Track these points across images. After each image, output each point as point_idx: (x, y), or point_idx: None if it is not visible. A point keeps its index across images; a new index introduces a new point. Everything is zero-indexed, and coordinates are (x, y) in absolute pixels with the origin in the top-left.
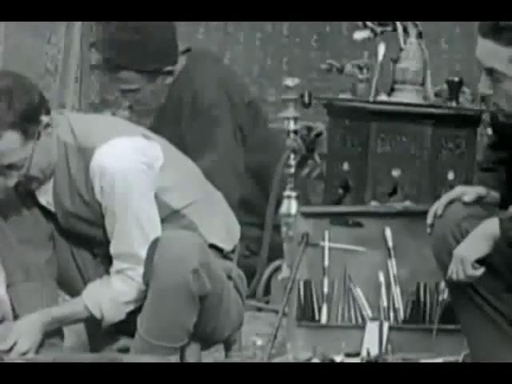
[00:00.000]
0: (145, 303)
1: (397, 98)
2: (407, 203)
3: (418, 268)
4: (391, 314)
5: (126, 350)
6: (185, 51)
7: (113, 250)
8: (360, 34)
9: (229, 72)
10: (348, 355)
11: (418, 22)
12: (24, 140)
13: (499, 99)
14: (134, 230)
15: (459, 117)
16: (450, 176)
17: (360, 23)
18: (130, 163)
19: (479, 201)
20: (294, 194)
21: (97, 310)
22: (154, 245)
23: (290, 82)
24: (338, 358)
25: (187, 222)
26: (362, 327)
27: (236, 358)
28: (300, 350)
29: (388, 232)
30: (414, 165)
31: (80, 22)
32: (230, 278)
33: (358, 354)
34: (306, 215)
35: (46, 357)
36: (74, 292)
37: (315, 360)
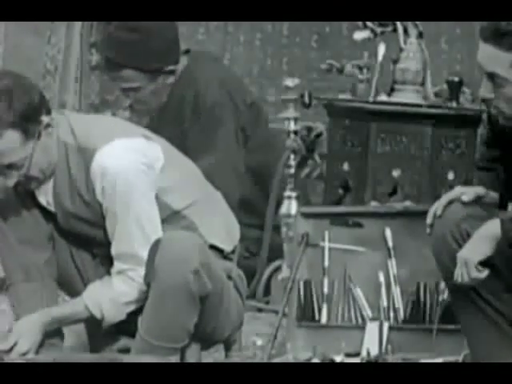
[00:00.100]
0: (146, 304)
1: (397, 98)
2: (407, 203)
3: (418, 268)
4: (391, 314)
5: (126, 351)
6: (184, 52)
7: (114, 250)
8: (360, 35)
9: (230, 73)
10: (348, 355)
11: (418, 23)
12: (24, 140)
13: (500, 103)
14: (134, 230)
15: (459, 117)
16: (450, 176)
17: (360, 23)
18: (130, 164)
19: (478, 201)
20: (294, 194)
21: (97, 311)
22: (156, 246)
23: (290, 82)
24: (338, 358)
25: (187, 223)
26: (362, 327)
27: (236, 358)
28: (300, 350)
29: (388, 232)
30: (414, 165)
31: (80, 23)
32: (230, 278)
33: (358, 354)
34: (306, 215)
35: (45, 357)
36: (74, 292)
37: (315, 360)
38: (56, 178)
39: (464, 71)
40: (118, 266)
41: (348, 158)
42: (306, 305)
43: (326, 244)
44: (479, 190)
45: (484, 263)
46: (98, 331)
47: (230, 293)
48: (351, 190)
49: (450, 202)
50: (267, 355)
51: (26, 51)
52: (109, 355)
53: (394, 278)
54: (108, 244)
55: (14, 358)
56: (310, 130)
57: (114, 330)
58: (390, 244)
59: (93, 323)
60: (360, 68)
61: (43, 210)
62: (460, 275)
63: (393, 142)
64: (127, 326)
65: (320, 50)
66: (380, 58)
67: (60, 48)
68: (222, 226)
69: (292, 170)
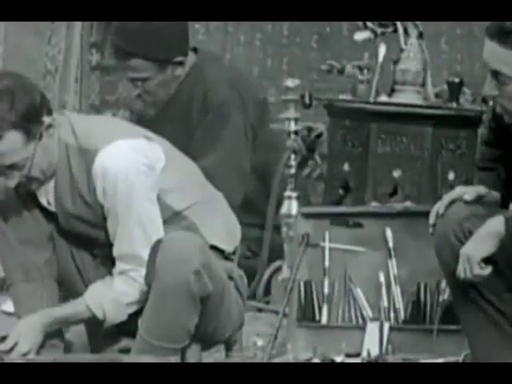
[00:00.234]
0: (146, 304)
1: (397, 98)
2: (407, 203)
3: (419, 268)
4: (391, 315)
5: (126, 351)
6: (193, 49)
7: (115, 251)
8: (360, 35)
9: (238, 72)
10: (348, 355)
11: (418, 23)
12: (26, 140)
13: (504, 101)
14: (136, 231)
15: (459, 117)
16: (451, 176)
17: (360, 24)
18: (131, 164)
19: (479, 200)
20: (294, 194)
21: (99, 311)
22: (156, 246)
23: (290, 82)
24: (339, 359)
25: (188, 224)
26: (363, 328)
27: (236, 358)
28: (300, 350)
29: (388, 232)
30: (415, 165)
31: (80, 23)
32: (231, 278)
33: (358, 355)
34: (307, 216)
35: (46, 357)
36: (74, 292)
37: (315, 360)
38: (57, 179)
39: (464, 72)
40: (119, 266)
41: (348, 158)
42: (306, 305)
43: (327, 244)
44: (481, 189)
45: (487, 260)
46: (99, 331)
47: (231, 293)
48: (351, 190)
49: (452, 202)
50: (267, 355)
51: (25, 51)
52: (109, 355)
53: (394, 278)
54: (109, 245)
55: (14, 358)
56: (310, 130)
57: (115, 330)
58: (391, 244)
59: (93, 323)
60: (360, 68)
61: (44, 210)
62: (463, 271)
63: (393, 142)
64: (128, 327)
65: (320, 51)
66: (380, 58)
67: (60, 48)
68: (222, 227)
69: (292, 170)
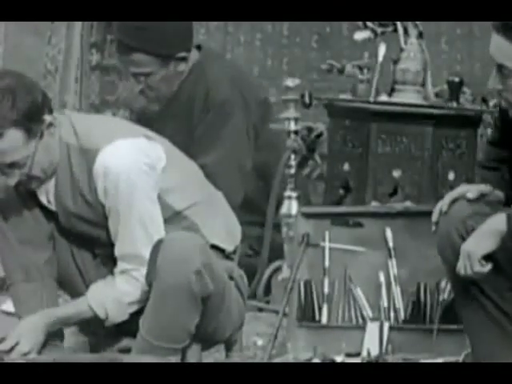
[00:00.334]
0: (147, 304)
1: (397, 98)
2: (408, 203)
3: (419, 268)
4: (391, 314)
5: (127, 351)
6: (196, 47)
7: (117, 251)
8: (360, 35)
9: (241, 71)
10: (348, 355)
11: (418, 23)
12: (27, 139)
13: (509, 95)
14: (137, 230)
15: (460, 117)
16: (451, 176)
17: (360, 23)
18: (132, 164)
19: (482, 198)
20: (294, 194)
21: (101, 311)
22: (157, 246)
23: (290, 82)
24: (339, 359)
25: (189, 223)
26: (363, 327)
27: (236, 358)
28: (300, 350)
29: (388, 232)
30: (415, 165)
31: (80, 23)
32: (231, 278)
33: (358, 355)
34: (307, 215)
35: (46, 357)
36: (74, 292)
37: (316, 360)
38: (58, 178)
39: (464, 71)
40: (121, 265)
41: (348, 158)
42: (306, 305)
43: (327, 244)
44: (483, 187)
45: (487, 257)
46: (98, 331)
47: (232, 293)
48: (352, 190)
49: (455, 200)
50: (268, 355)
51: (26, 51)
52: (109, 355)
53: (394, 278)
54: (110, 244)
55: (14, 358)
56: (310, 130)
57: (115, 329)
58: (391, 244)
59: (94, 323)
60: (360, 68)
61: (44, 210)
62: (463, 268)
63: (393, 142)
64: (128, 326)
65: (320, 51)
66: (380, 58)
67: (60, 48)
68: (223, 227)
69: (292, 170)
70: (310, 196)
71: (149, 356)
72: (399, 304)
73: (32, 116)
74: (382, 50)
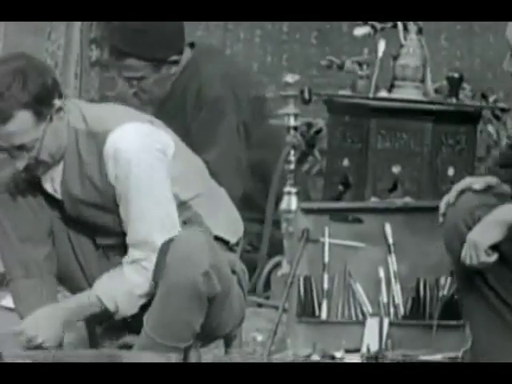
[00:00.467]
0: (153, 301)
1: (397, 94)
2: (407, 199)
3: (418, 264)
4: (391, 310)
5: (126, 347)
6: (190, 45)
7: (129, 238)
8: (360, 31)
9: (235, 67)
10: (348, 351)
11: None
12: (36, 121)
13: None
14: (150, 216)
15: (459, 113)
16: (450, 172)
17: None
18: (144, 148)
19: (489, 190)
20: (294, 190)
21: (111, 304)
22: (167, 245)
23: (289, 78)
24: (338, 354)
25: (192, 214)
26: (362, 323)
27: (236, 354)
28: (300, 345)
29: (388, 228)
30: (414, 161)
31: None
32: (233, 272)
33: (358, 350)
34: (306, 211)
35: (45, 354)
36: (75, 288)
37: (315, 356)
38: (65, 164)
39: (464, 67)
40: (132, 254)
41: (348, 153)
42: (306, 300)
43: (326, 240)
44: (490, 179)
45: (493, 247)
46: (98, 327)
47: (234, 288)
48: (351, 186)
49: (462, 192)
50: (267, 351)
51: (25, 48)
52: (108, 352)
53: (393, 273)
54: (115, 233)
55: (33, 354)
56: (309, 125)
57: (114, 325)
58: (390, 240)
59: (103, 317)
60: (360, 64)
61: (48, 199)
62: (469, 258)
63: (393, 138)
64: (127, 322)
65: (320, 47)
66: (380, 54)
67: (60, 44)
68: (226, 219)
69: (292, 166)
70: (309, 192)
71: (149, 353)
72: (399, 300)
73: (42, 99)
74: (381, 45)
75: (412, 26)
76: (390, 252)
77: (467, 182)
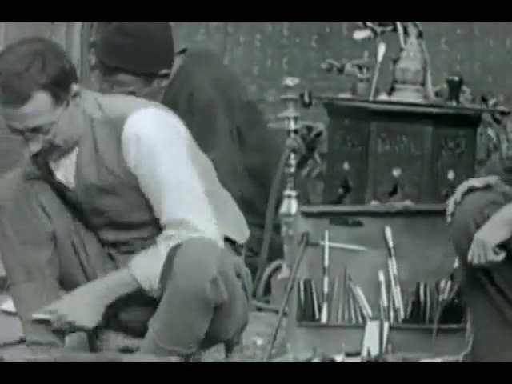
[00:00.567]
0: (159, 306)
1: (397, 97)
2: (407, 203)
3: (419, 268)
4: (391, 314)
5: (126, 351)
6: (181, 51)
7: (163, 218)
8: (360, 34)
9: (226, 72)
10: (348, 355)
11: (418, 22)
12: (53, 104)
13: None
14: (181, 195)
15: (459, 116)
16: (451, 175)
17: (360, 23)
18: (165, 130)
19: (489, 189)
20: (294, 193)
21: (146, 283)
22: (174, 250)
23: (290, 81)
24: (339, 358)
25: None
26: (362, 327)
27: (236, 357)
28: (300, 349)
29: (388, 231)
30: (415, 164)
31: (80, 22)
32: (238, 275)
33: (358, 354)
34: (306, 215)
35: (46, 357)
36: None
37: (315, 360)
38: (80, 150)
39: (464, 71)
40: (166, 232)
41: (348, 157)
42: (306, 304)
43: (326, 243)
44: (490, 179)
45: (500, 246)
46: (98, 330)
47: (239, 294)
48: (351, 189)
49: (466, 193)
50: (267, 355)
51: None
52: (109, 355)
53: (394, 277)
54: (123, 225)
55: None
56: (310, 129)
57: (116, 328)
58: (390, 243)
59: (136, 296)
60: (360, 67)
61: (52, 201)
62: (477, 256)
63: (393, 141)
64: (129, 326)
65: (320, 50)
66: (380, 57)
67: None
68: (232, 220)
69: (292, 169)
70: (309, 195)
71: (149, 356)
72: (399, 303)
73: (60, 82)
74: (381, 49)
75: (412, 29)
76: (390, 256)
77: (470, 182)
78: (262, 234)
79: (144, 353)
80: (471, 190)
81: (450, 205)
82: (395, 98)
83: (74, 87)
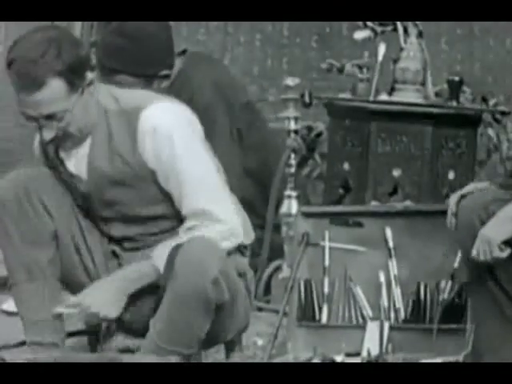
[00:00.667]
0: (160, 306)
1: (397, 97)
2: (408, 203)
3: (419, 268)
4: (392, 314)
5: (126, 351)
6: (181, 53)
7: (185, 209)
8: (360, 34)
9: (225, 73)
10: (348, 355)
11: (418, 22)
12: (68, 91)
13: None
14: (203, 185)
15: (459, 116)
16: (451, 176)
17: (360, 23)
18: (183, 123)
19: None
20: (294, 193)
21: None
22: (175, 250)
23: (290, 81)
24: (339, 358)
25: None
26: (363, 327)
27: (236, 358)
28: (300, 349)
29: (388, 232)
30: (415, 164)
31: (80, 22)
32: (241, 275)
33: (358, 354)
34: (307, 215)
35: (46, 357)
36: (79, 291)
37: (316, 360)
38: (93, 141)
39: (464, 71)
40: (188, 223)
41: (348, 157)
42: (306, 304)
43: (327, 243)
44: (479, 184)
45: (505, 242)
46: (98, 331)
47: (241, 294)
48: (351, 189)
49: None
50: (268, 355)
51: None
52: (109, 355)
53: (394, 277)
54: (131, 218)
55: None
56: (310, 129)
57: (117, 329)
58: (391, 244)
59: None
60: (360, 67)
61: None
62: (482, 253)
63: (393, 141)
64: (129, 326)
65: (320, 50)
66: (380, 57)
67: None
68: (240, 220)
69: (292, 170)
70: (308, 196)
71: (149, 356)
72: (399, 304)
73: (76, 69)
74: (381, 49)
75: (412, 29)
76: (390, 256)
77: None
78: (263, 234)
79: (145, 353)
80: (463, 196)
81: (451, 205)
82: (395, 98)
83: (89, 75)
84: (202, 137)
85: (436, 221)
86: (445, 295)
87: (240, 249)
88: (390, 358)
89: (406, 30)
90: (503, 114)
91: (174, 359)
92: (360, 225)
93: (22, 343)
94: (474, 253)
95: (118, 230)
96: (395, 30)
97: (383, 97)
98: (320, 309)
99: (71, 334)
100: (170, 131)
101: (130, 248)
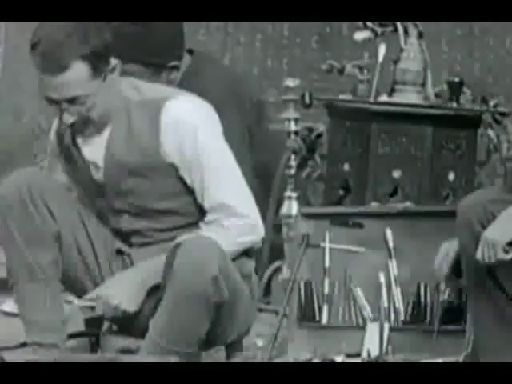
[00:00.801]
0: (160, 306)
1: (397, 98)
2: (408, 204)
3: (419, 268)
4: (392, 315)
5: (126, 351)
6: (188, 51)
7: (207, 203)
8: (360, 35)
9: (233, 73)
10: (348, 356)
11: (418, 23)
12: (92, 76)
13: None
14: (225, 180)
15: (459, 117)
16: (451, 177)
17: (360, 23)
18: (206, 117)
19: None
20: (294, 194)
21: None
22: (175, 249)
23: (290, 82)
24: (339, 359)
25: None
26: (363, 328)
27: (236, 358)
28: (301, 350)
29: (388, 233)
30: (415, 165)
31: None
32: (247, 277)
33: (358, 355)
34: (307, 216)
35: (46, 357)
36: (81, 292)
37: (316, 361)
38: (113, 129)
39: (464, 72)
40: (210, 216)
41: (348, 158)
42: (306, 305)
43: (327, 244)
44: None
45: (509, 244)
46: (99, 331)
47: (244, 296)
48: (352, 190)
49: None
50: (268, 356)
51: (26, 51)
52: (109, 355)
53: (394, 278)
54: (144, 210)
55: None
56: (310, 130)
57: (116, 329)
58: (391, 244)
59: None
60: (360, 68)
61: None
62: (487, 256)
63: (393, 142)
64: (129, 326)
65: (320, 51)
66: (380, 58)
67: None
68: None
69: (292, 171)
70: (309, 197)
71: (149, 357)
72: (399, 304)
73: (100, 54)
74: (381, 50)
75: (412, 30)
76: (390, 257)
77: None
78: None
79: (145, 353)
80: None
81: (443, 266)
82: (395, 99)
83: (113, 61)
84: (222, 132)
85: (436, 222)
86: (445, 296)
87: (246, 251)
88: (390, 359)
89: (406, 31)
90: (503, 114)
91: (173, 359)
92: (360, 226)
93: (23, 344)
94: (478, 255)
95: (127, 222)
96: (395, 30)
97: (383, 98)
98: (320, 310)
99: (72, 336)
100: (193, 124)
101: (137, 244)
